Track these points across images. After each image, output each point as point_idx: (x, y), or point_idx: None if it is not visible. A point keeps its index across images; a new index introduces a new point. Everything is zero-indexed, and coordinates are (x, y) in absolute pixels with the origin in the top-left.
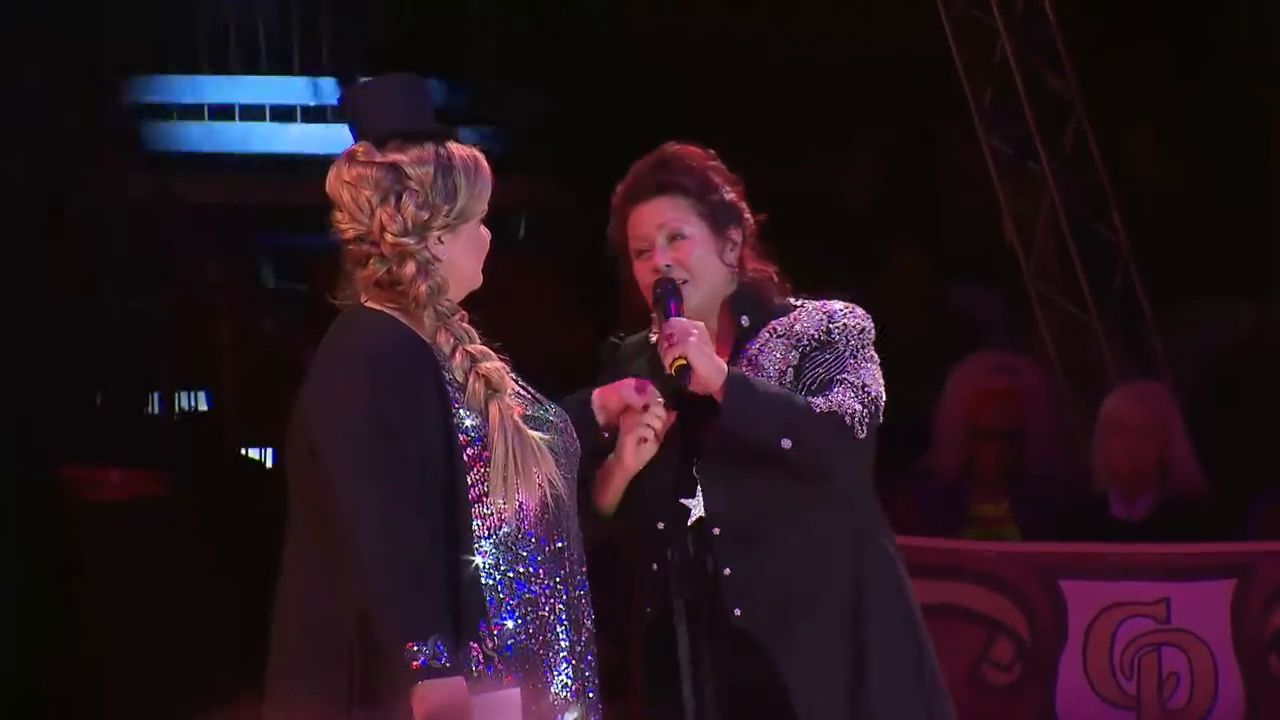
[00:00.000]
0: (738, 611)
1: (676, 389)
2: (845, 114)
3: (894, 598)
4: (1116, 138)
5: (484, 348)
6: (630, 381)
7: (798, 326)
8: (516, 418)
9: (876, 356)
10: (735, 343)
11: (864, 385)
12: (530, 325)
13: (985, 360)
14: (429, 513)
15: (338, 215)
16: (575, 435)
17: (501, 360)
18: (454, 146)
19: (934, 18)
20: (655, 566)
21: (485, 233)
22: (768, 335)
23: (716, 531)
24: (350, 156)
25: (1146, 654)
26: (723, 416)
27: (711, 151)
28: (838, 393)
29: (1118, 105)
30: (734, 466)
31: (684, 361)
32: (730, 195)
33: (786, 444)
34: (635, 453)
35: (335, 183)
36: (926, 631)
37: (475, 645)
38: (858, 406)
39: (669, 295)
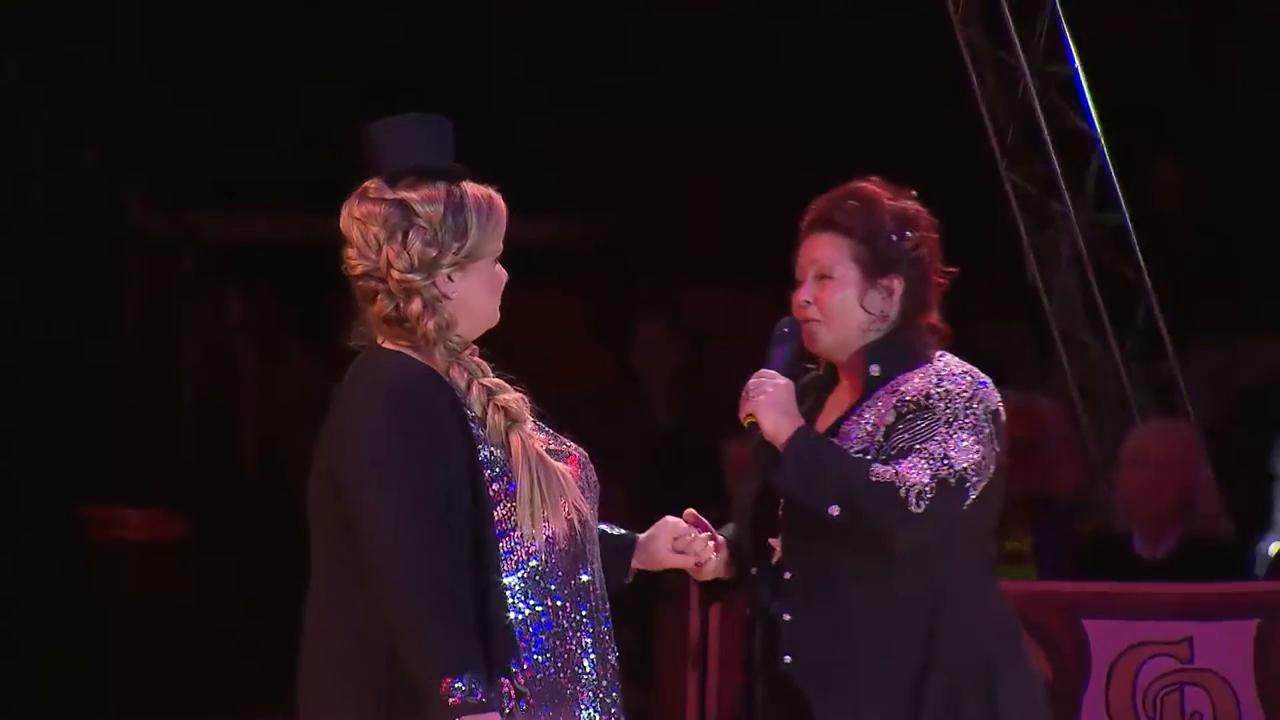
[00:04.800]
0: (788, 658)
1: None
2: (865, 152)
3: (970, 673)
4: (1139, 175)
5: (499, 380)
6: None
7: (904, 385)
8: (539, 447)
9: (985, 428)
10: (864, 392)
11: (945, 456)
12: (545, 360)
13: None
14: (457, 547)
15: (348, 251)
16: (595, 472)
17: (519, 392)
18: (468, 185)
19: (956, 55)
20: (748, 611)
21: (501, 271)
22: (891, 388)
23: (788, 576)
24: (362, 193)
25: (1169, 693)
26: (777, 477)
27: (909, 191)
28: (908, 462)
29: (1140, 142)
30: (814, 514)
31: (753, 419)
32: (907, 243)
33: (835, 510)
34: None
35: (346, 219)
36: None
37: (507, 681)
38: (923, 479)
39: (780, 341)
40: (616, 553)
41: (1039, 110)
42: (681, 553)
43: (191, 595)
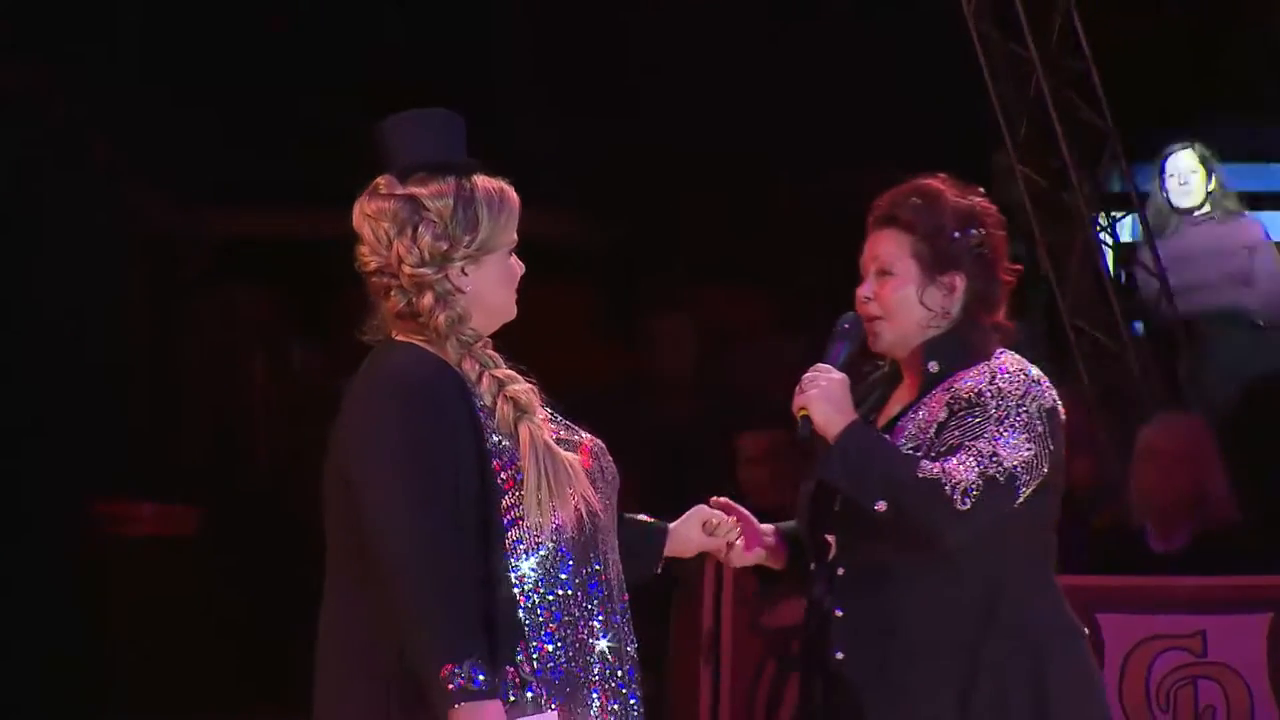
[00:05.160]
0: (839, 654)
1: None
2: (877, 143)
3: (1019, 671)
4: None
5: (511, 372)
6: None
7: (958, 382)
8: (548, 437)
9: (1037, 427)
10: (922, 389)
11: (994, 454)
12: (556, 354)
13: None
14: (464, 536)
15: (361, 249)
16: (613, 461)
17: (530, 383)
18: (479, 179)
19: (969, 49)
20: (805, 605)
21: (516, 263)
22: (947, 385)
23: (841, 572)
24: (373, 190)
25: (1182, 687)
26: (826, 471)
27: (975, 188)
28: (956, 459)
29: (1152, 136)
30: (867, 510)
31: (806, 412)
32: (970, 239)
33: (881, 506)
34: (736, 560)
35: (358, 216)
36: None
37: (511, 669)
38: (970, 477)
39: (840, 336)
40: (647, 540)
41: (1051, 104)
42: (712, 535)
43: (194, 592)
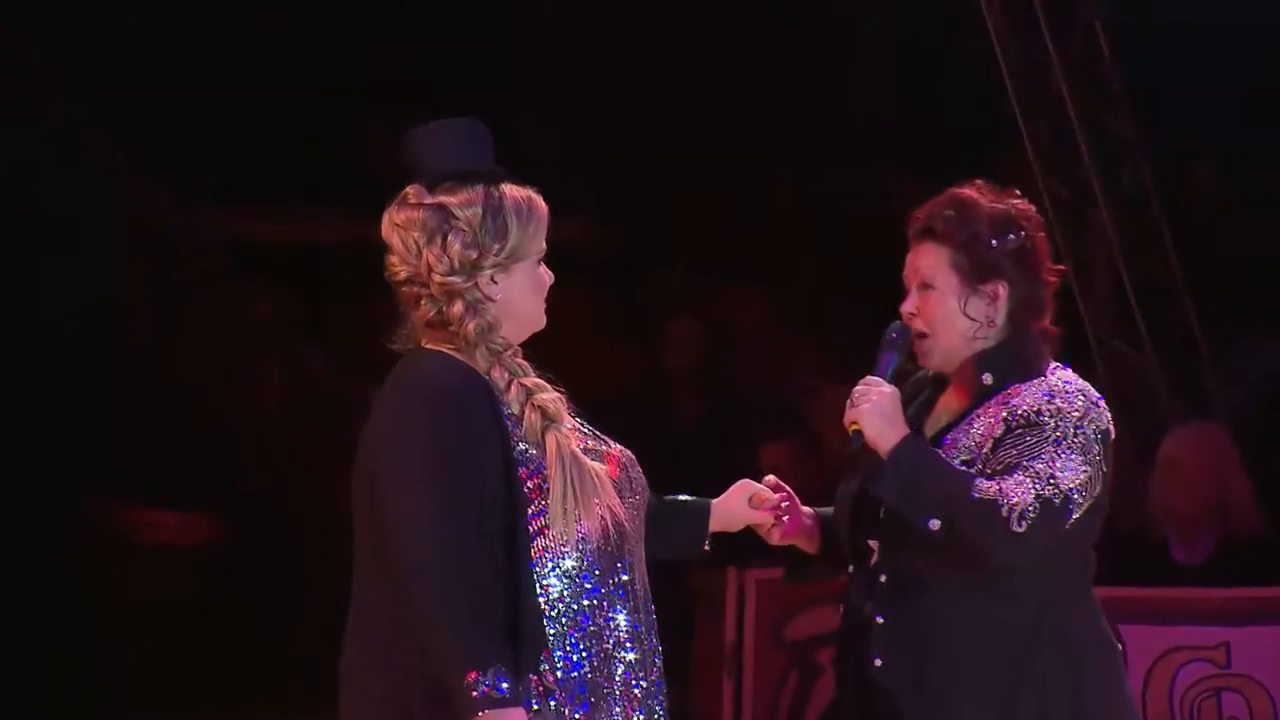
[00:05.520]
0: (878, 662)
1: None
2: (877, 143)
3: (1060, 684)
4: (1174, 177)
5: (539, 381)
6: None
7: (1015, 399)
8: (575, 447)
9: (1094, 449)
10: (974, 400)
11: (1051, 476)
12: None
13: None
14: (489, 544)
15: (391, 258)
16: (641, 473)
17: (558, 393)
18: (507, 187)
19: (968, 49)
20: (842, 610)
21: (545, 272)
22: (1003, 399)
23: (883, 579)
24: (402, 200)
25: (1206, 699)
26: (878, 487)
27: (1011, 190)
28: (1013, 480)
29: (1176, 144)
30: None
31: (858, 426)
32: (1008, 245)
33: (934, 524)
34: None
35: (387, 226)
36: None
37: (534, 678)
38: (1027, 499)
39: (888, 346)
40: (691, 519)
41: (1073, 112)
42: (758, 509)
43: (194, 592)
